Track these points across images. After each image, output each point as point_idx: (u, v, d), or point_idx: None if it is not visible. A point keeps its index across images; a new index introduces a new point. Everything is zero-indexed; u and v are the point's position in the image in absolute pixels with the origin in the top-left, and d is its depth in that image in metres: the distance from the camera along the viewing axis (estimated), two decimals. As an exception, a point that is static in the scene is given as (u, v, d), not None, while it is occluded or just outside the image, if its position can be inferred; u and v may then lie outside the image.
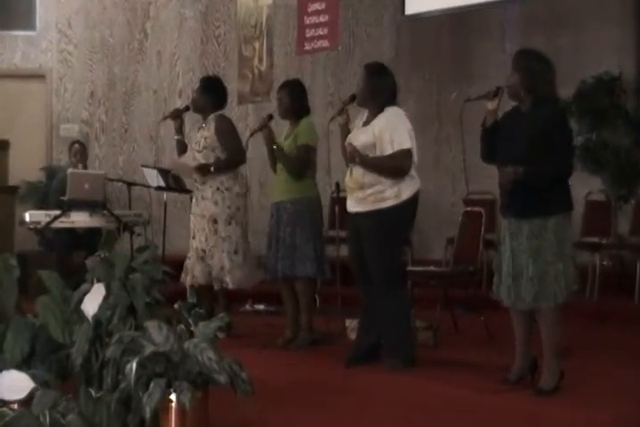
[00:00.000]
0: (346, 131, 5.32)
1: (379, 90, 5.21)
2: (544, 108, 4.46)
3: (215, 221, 6.16)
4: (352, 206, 5.25)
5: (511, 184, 4.42)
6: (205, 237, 6.18)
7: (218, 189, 6.19)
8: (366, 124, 5.24)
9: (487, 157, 4.73)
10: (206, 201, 6.20)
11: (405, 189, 5.12)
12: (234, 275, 6.14)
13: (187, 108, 6.56)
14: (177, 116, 6.54)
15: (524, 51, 4.71)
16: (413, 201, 5.17)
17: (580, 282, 4.59)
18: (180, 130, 6.50)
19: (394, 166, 5.09)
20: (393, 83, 5.30)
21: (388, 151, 5.08)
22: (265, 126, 5.95)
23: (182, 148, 6.50)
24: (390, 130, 5.09)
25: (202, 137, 6.25)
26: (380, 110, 5.18)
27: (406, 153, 5.09)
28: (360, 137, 5.17)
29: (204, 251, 6.18)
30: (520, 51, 4.70)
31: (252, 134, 6.03)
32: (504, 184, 4.46)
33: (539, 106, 4.48)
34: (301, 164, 5.84)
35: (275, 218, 5.92)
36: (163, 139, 8.76)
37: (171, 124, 6.66)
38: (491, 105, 4.61)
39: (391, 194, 5.09)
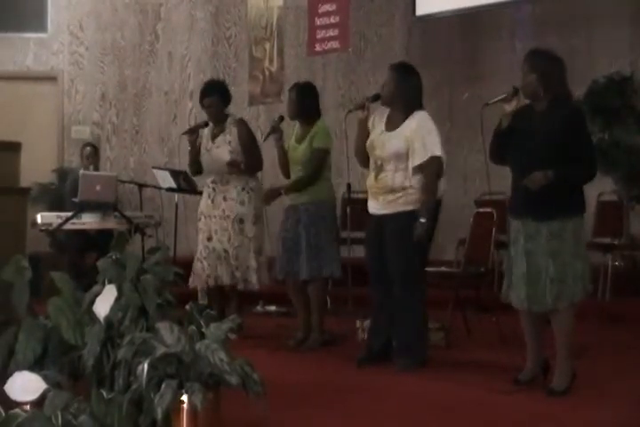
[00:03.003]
0: (364, 127, 5.27)
1: (407, 91, 5.18)
2: (561, 108, 4.44)
3: (241, 221, 6.16)
4: (377, 209, 5.21)
5: (540, 188, 4.39)
6: (228, 237, 6.17)
7: (244, 189, 6.20)
8: (391, 127, 5.19)
9: (499, 158, 4.70)
10: (230, 201, 6.20)
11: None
12: (260, 275, 6.17)
13: (206, 124, 6.51)
14: (196, 131, 6.50)
15: (537, 50, 4.66)
16: (438, 202, 5.17)
17: (592, 283, 4.58)
18: (194, 143, 6.43)
19: (429, 174, 5.07)
20: (421, 84, 5.28)
21: (421, 156, 5.05)
22: (277, 129, 5.97)
23: (194, 159, 6.42)
24: (422, 136, 5.07)
25: (225, 142, 6.25)
26: (408, 113, 5.15)
27: (437, 161, 5.08)
28: (391, 143, 5.12)
29: (226, 251, 6.17)
30: (534, 50, 4.66)
31: (265, 138, 6.05)
32: (533, 188, 4.40)
33: (555, 105, 4.46)
34: (315, 169, 5.83)
35: (291, 220, 5.90)
36: (173, 140, 8.78)
37: (181, 125, 6.65)
38: (508, 107, 4.56)
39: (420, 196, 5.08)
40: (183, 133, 6.77)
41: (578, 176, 4.42)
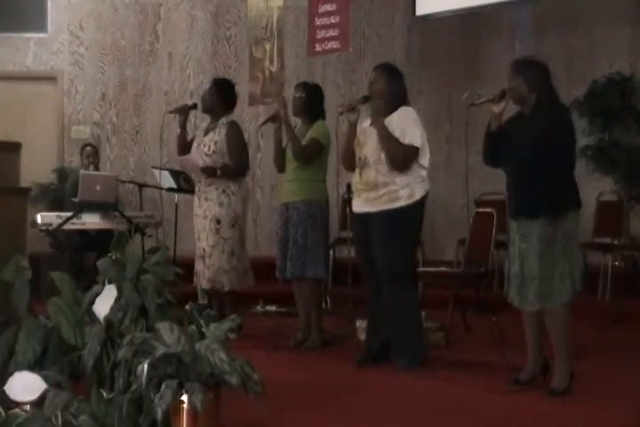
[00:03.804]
0: (354, 129, 5.29)
1: (395, 92, 5.22)
2: (545, 111, 4.47)
3: (218, 222, 6.18)
4: (361, 207, 5.24)
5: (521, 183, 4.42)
6: (206, 236, 6.19)
7: (224, 191, 6.21)
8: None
9: (490, 161, 4.72)
10: (210, 202, 6.22)
11: (418, 190, 5.13)
12: (230, 276, 6.16)
13: (195, 106, 6.59)
14: (184, 111, 6.56)
15: (522, 58, 4.76)
16: (422, 202, 5.17)
17: (591, 283, 4.59)
18: (183, 125, 6.52)
19: (401, 154, 5.07)
20: (404, 84, 5.31)
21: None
22: (277, 118, 5.93)
23: (182, 142, 6.51)
24: (403, 125, 5.10)
25: (211, 140, 6.27)
26: (393, 110, 5.18)
27: (413, 150, 5.09)
28: (374, 136, 5.15)
29: (204, 250, 6.21)
30: (518, 59, 4.73)
31: (263, 123, 6.05)
32: None
33: (540, 109, 4.49)
34: (308, 151, 5.82)
35: (283, 219, 5.93)
36: (173, 140, 8.77)
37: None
38: (496, 108, 4.59)
39: (404, 194, 5.09)
40: (170, 112, 6.84)
41: (564, 183, 4.46)
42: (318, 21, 8.40)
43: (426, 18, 9.42)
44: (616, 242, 7.55)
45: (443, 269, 6.48)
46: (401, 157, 5.08)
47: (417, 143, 5.08)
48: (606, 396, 4.45)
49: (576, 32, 8.65)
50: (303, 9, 8.89)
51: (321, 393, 4.54)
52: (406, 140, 5.07)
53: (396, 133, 5.08)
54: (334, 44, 8.32)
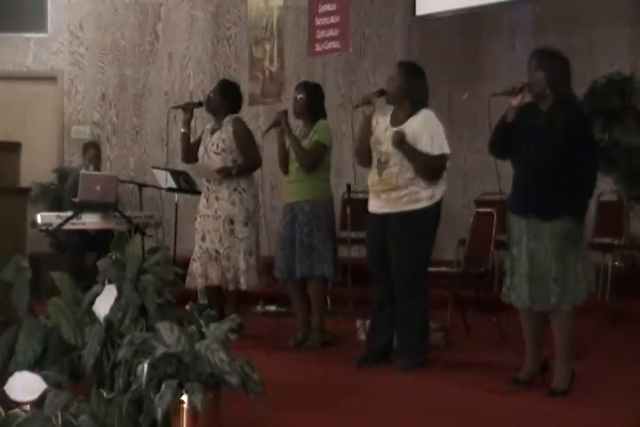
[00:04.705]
0: (369, 123, 5.25)
1: (415, 90, 5.18)
2: (566, 108, 4.44)
3: (232, 222, 6.15)
4: (379, 207, 5.19)
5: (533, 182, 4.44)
6: (220, 237, 6.16)
7: (235, 189, 6.19)
8: (396, 123, 5.16)
9: (501, 152, 4.67)
10: (222, 201, 6.19)
11: (438, 191, 5.13)
12: (249, 276, 6.14)
13: (200, 104, 6.58)
14: (188, 108, 6.54)
15: (545, 49, 4.66)
16: (439, 203, 5.17)
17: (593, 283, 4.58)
18: (187, 123, 6.49)
19: (434, 167, 5.08)
20: (427, 85, 5.28)
21: (428, 150, 5.05)
22: (279, 123, 5.93)
23: (186, 141, 6.47)
24: (430, 131, 5.07)
25: (219, 139, 6.25)
26: (414, 111, 5.14)
27: (444, 159, 5.10)
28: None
29: (217, 252, 6.17)
30: (541, 49, 4.65)
31: (267, 130, 6.04)
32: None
33: (559, 105, 4.46)
34: (313, 157, 5.83)
35: (288, 219, 5.91)
36: (173, 140, 8.78)
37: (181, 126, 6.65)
38: (514, 101, 4.53)
39: (426, 195, 5.08)
40: (173, 107, 6.85)
41: (589, 186, 4.46)
42: (318, 21, 8.40)
43: (426, 18, 9.42)
44: (616, 242, 7.53)
45: (443, 269, 6.47)
46: (437, 171, 5.10)
47: (447, 150, 5.09)
48: (606, 396, 4.45)
49: (576, 32, 8.64)
50: (303, 9, 8.89)
51: (321, 393, 4.54)
52: (435, 149, 5.06)
53: (423, 140, 5.05)
54: (334, 44, 8.32)
